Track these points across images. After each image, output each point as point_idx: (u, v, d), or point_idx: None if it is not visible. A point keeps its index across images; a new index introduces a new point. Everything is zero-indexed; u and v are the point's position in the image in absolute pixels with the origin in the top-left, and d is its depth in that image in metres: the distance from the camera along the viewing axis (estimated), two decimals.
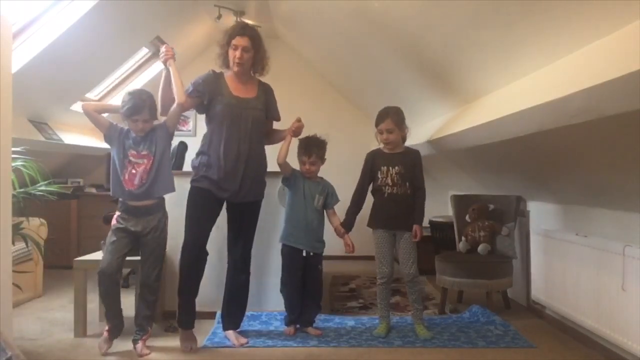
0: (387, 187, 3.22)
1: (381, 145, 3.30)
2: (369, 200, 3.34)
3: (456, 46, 2.91)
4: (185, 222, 3.03)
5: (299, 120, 3.15)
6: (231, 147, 2.98)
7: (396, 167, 3.21)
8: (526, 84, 2.55)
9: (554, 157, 2.84)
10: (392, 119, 3.20)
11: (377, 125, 3.25)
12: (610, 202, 2.78)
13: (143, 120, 2.90)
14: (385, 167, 3.23)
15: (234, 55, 2.98)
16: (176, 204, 3.15)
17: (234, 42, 2.98)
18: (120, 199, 2.97)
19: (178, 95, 2.94)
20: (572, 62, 2.12)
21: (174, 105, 2.97)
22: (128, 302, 3.10)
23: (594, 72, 1.87)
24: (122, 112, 2.92)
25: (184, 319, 3.05)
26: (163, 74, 3.01)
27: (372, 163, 3.29)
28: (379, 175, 3.24)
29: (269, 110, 3.17)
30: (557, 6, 1.94)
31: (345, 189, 3.38)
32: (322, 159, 3.30)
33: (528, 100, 2.37)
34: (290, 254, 3.26)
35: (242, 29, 3.02)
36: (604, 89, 1.80)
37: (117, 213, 2.99)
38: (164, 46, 3.01)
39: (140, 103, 2.88)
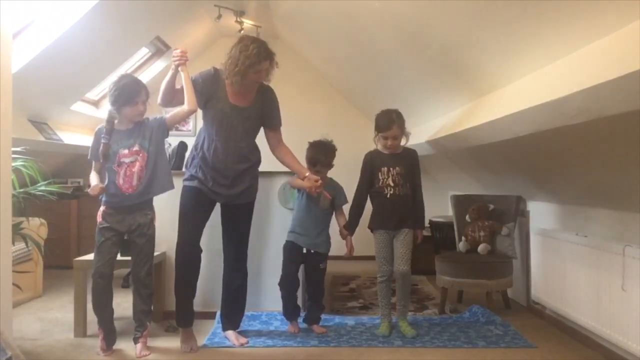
0: (389, 188, 3.20)
1: (379, 147, 3.29)
2: (368, 202, 3.32)
3: (456, 46, 2.92)
4: (178, 221, 3.03)
5: (319, 186, 2.98)
6: (219, 156, 2.96)
7: (397, 168, 3.21)
8: (526, 84, 2.55)
9: (554, 157, 2.84)
10: (398, 125, 3.17)
11: (381, 131, 3.21)
12: (610, 202, 2.78)
13: (142, 101, 2.86)
14: (385, 168, 3.22)
15: (257, 77, 2.92)
16: (175, 203, 3.15)
17: (259, 67, 2.88)
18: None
19: (189, 102, 2.88)
20: (572, 62, 2.12)
21: (184, 110, 2.90)
22: (128, 302, 3.10)
23: (594, 72, 1.87)
24: (118, 102, 2.81)
25: (183, 318, 3.05)
26: (170, 73, 2.94)
27: (372, 164, 3.28)
28: (380, 177, 3.23)
29: (267, 118, 3.09)
30: (557, 6, 1.94)
31: (345, 189, 3.38)
32: (328, 166, 3.28)
33: (528, 100, 2.38)
34: (289, 249, 3.29)
35: (268, 53, 2.91)
36: (604, 89, 1.80)
37: (102, 207, 2.90)
38: (179, 50, 2.92)
39: (135, 86, 2.85)
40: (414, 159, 3.29)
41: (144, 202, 2.93)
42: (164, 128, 2.95)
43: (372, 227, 3.28)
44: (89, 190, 2.85)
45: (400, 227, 3.22)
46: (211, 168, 2.97)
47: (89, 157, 2.92)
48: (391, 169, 3.21)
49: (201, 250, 3.06)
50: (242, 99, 3.01)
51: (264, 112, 3.08)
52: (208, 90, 2.98)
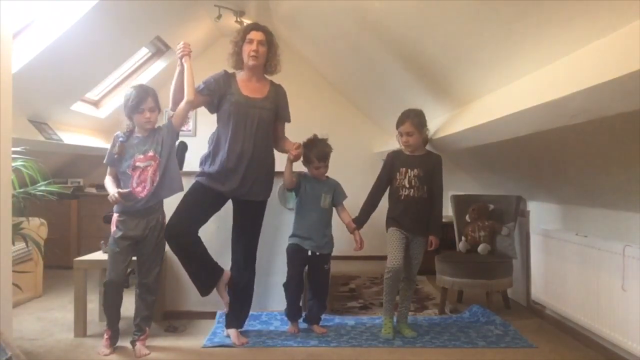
0: (403, 190, 3.19)
1: (402, 147, 3.29)
2: (385, 204, 3.31)
3: (456, 46, 2.91)
4: None
5: (298, 147, 3.12)
6: (235, 145, 3.00)
7: (415, 170, 3.19)
8: (526, 84, 2.55)
9: (554, 157, 2.84)
10: (412, 122, 3.19)
11: (397, 127, 3.25)
12: (610, 202, 2.78)
13: (149, 109, 2.90)
14: (404, 169, 3.21)
15: (249, 49, 3.01)
16: (176, 204, 3.14)
17: (249, 36, 3.03)
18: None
19: (188, 93, 2.94)
20: (572, 62, 2.12)
21: (182, 103, 2.96)
22: (128, 302, 3.10)
23: (594, 72, 1.87)
24: (128, 107, 2.90)
25: (199, 290, 3.10)
26: (177, 70, 3.00)
27: (392, 164, 3.28)
28: (397, 177, 3.22)
29: (279, 111, 3.17)
30: (557, 6, 1.94)
31: (345, 188, 3.38)
32: None
33: (528, 100, 2.37)
34: (293, 251, 3.27)
35: (257, 25, 3.10)
36: (604, 89, 1.80)
37: (116, 215, 2.95)
38: (182, 43, 3.01)
39: (143, 93, 2.90)
40: (436, 164, 3.26)
41: (155, 205, 2.96)
42: (173, 130, 3.01)
43: (387, 226, 3.25)
44: (112, 198, 2.86)
45: (415, 232, 3.20)
46: (225, 161, 2.99)
47: (104, 161, 2.98)
48: (409, 170, 3.20)
49: (193, 236, 3.02)
50: (255, 91, 3.08)
51: (278, 104, 3.16)
52: (221, 87, 3.05)
